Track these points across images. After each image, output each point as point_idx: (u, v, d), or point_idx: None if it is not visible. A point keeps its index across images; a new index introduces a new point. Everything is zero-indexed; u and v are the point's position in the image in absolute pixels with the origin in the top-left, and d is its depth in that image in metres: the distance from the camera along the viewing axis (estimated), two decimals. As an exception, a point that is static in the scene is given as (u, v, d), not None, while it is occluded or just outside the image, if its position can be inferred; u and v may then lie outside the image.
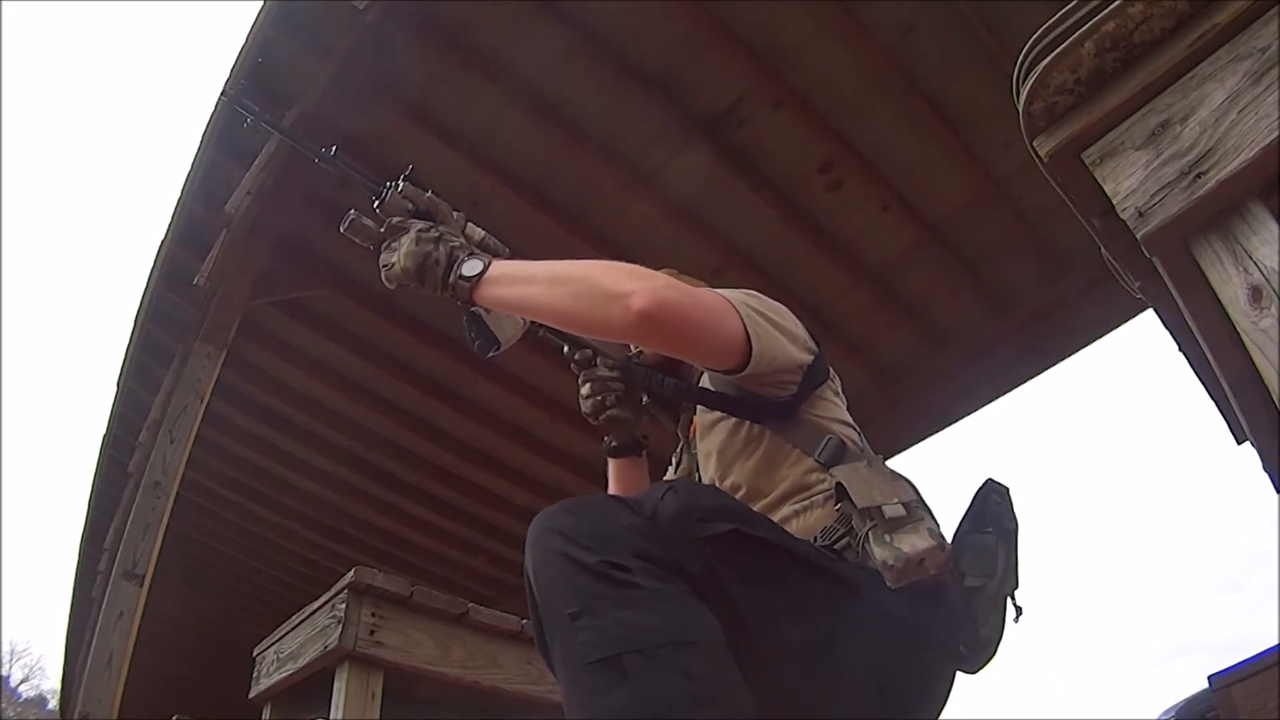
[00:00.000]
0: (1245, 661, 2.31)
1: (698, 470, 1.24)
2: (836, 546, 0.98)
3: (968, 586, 1.00)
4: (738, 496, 1.12)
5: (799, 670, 0.90)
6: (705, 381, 1.22)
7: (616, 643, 0.74)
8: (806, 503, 1.08)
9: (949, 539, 0.98)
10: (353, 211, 1.17)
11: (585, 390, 1.29)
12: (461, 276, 1.08)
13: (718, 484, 1.16)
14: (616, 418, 1.28)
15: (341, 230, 1.17)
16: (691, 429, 1.28)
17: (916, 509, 0.96)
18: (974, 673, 1.04)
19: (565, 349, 1.30)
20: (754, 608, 0.86)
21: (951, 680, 1.03)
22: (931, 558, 0.90)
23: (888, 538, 0.91)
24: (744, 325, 1.04)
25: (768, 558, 0.89)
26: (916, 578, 0.89)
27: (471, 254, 1.10)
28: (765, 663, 0.86)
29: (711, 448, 1.19)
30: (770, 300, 1.14)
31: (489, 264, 1.08)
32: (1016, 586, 1.03)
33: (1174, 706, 3.80)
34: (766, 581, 0.89)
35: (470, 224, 1.20)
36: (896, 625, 0.93)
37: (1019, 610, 1.03)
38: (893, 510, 0.94)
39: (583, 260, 1.04)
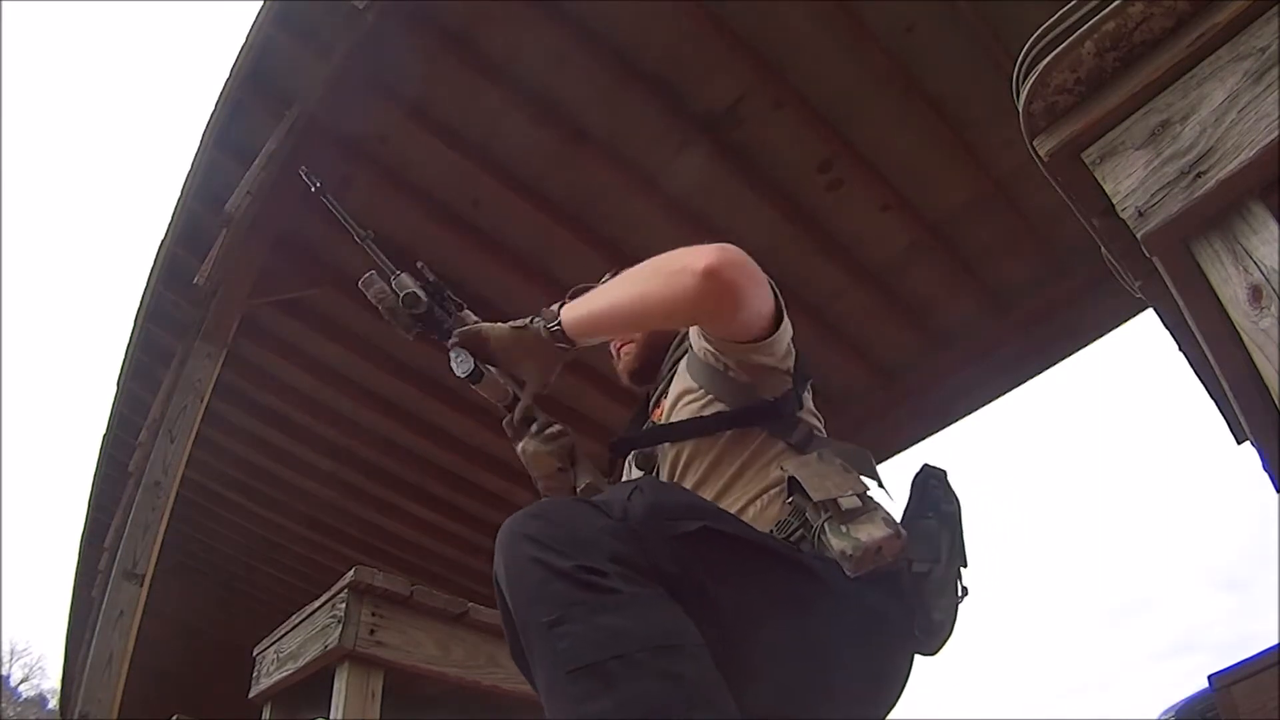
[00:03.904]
0: (1245, 661, 2.32)
1: (657, 467, 1.22)
2: (792, 539, 0.99)
3: (915, 572, 1.02)
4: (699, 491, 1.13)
5: (774, 661, 0.91)
6: (683, 390, 1.20)
7: (598, 649, 0.73)
8: (766, 498, 1.08)
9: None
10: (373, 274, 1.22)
11: (552, 430, 1.19)
12: (549, 329, 1.11)
13: (678, 479, 1.16)
14: (561, 479, 1.21)
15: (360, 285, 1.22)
16: (657, 413, 1.28)
17: (869, 500, 0.98)
18: (932, 655, 1.06)
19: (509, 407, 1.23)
20: (728, 602, 0.87)
21: (911, 664, 1.05)
22: (889, 546, 0.91)
23: (844, 528, 0.92)
24: (775, 297, 1.07)
25: (737, 552, 0.90)
26: (874, 566, 0.90)
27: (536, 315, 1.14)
28: (741, 655, 0.87)
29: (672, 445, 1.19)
30: None
31: (557, 311, 1.12)
32: (964, 567, 1.05)
33: (1174, 706, 3.81)
34: (738, 576, 0.90)
35: (466, 311, 1.24)
36: (860, 613, 0.95)
37: (965, 591, 1.04)
38: (848, 502, 0.95)
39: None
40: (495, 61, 2.89)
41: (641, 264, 1.07)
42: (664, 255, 1.04)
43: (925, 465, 1.09)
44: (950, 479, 1.08)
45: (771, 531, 1.01)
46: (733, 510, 1.07)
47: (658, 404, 1.28)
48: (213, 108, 3.12)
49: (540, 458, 1.18)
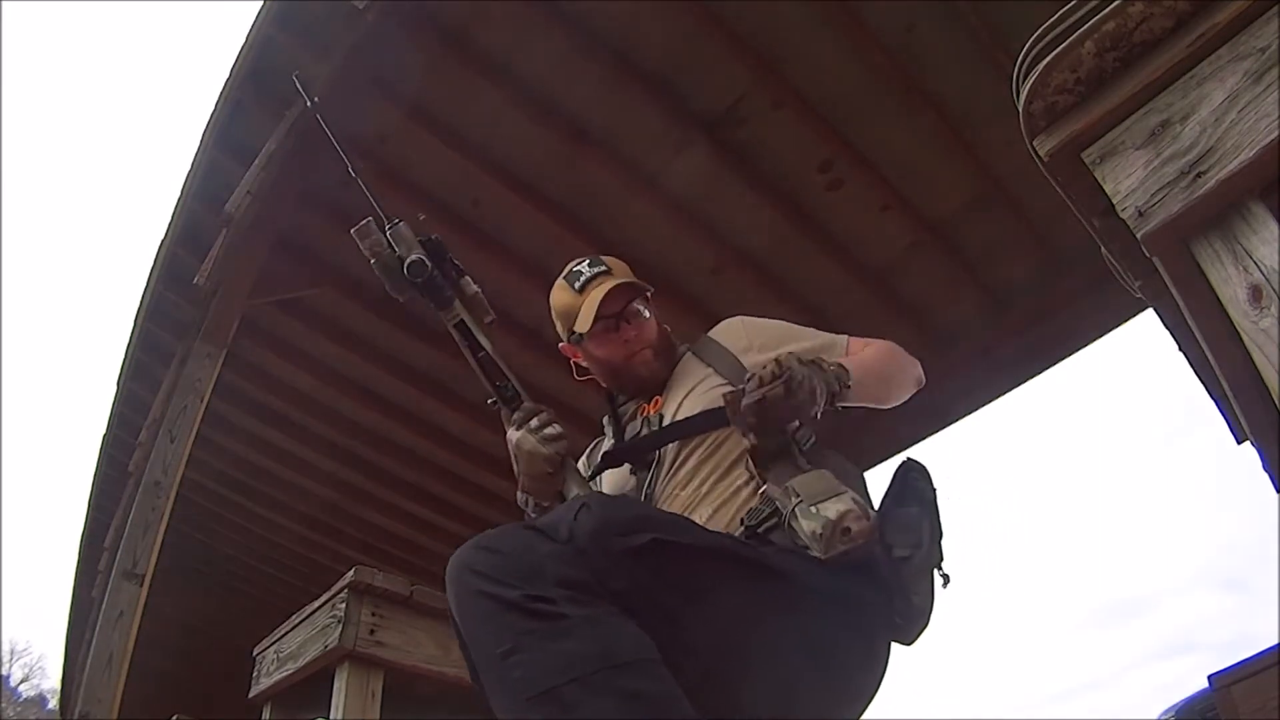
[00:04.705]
0: (1245, 661, 2.32)
1: (655, 465, 1.22)
2: (762, 529, 0.99)
3: (896, 558, 1.02)
4: (703, 490, 1.14)
5: (741, 662, 0.92)
6: (703, 376, 1.26)
7: (552, 675, 0.74)
8: (753, 486, 1.10)
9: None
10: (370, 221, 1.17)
11: (551, 431, 1.16)
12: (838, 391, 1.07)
13: (680, 462, 1.18)
14: (548, 482, 1.19)
15: (352, 232, 1.18)
16: (650, 409, 1.29)
17: (838, 484, 0.99)
18: (911, 643, 1.07)
19: (494, 387, 1.21)
20: (685, 611, 0.87)
21: (889, 651, 1.05)
22: (855, 522, 0.91)
23: (813, 510, 0.92)
24: None
25: (692, 561, 0.90)
26: (845, 546, 0.89)
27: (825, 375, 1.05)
28: (706, 660, 0.88)
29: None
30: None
31: (844, 376, 1.07)
32: (942, 556, 1.07)
33: (1174, 706, 3.81)
34: (695, 584, 0.90)
35: (466, 278, 1.20)
36: (831, 602, 0.95)
37: (946, 578, 1.06)
38: None
39: (873, 349, 1.31)
40: (495, 61, 2.89)
41: (883, 358, 1.29)
42: (894, 353, 1.34)
43: (907, 459, 1.11)
44: (930, 470, 1.10)
45: (741, 522, 1.02)
46: (728, 493, 1.10)
47: (651, 400, 1.30)
48: (213, 108, 3.12)
49: (535, 458, 1.16)
